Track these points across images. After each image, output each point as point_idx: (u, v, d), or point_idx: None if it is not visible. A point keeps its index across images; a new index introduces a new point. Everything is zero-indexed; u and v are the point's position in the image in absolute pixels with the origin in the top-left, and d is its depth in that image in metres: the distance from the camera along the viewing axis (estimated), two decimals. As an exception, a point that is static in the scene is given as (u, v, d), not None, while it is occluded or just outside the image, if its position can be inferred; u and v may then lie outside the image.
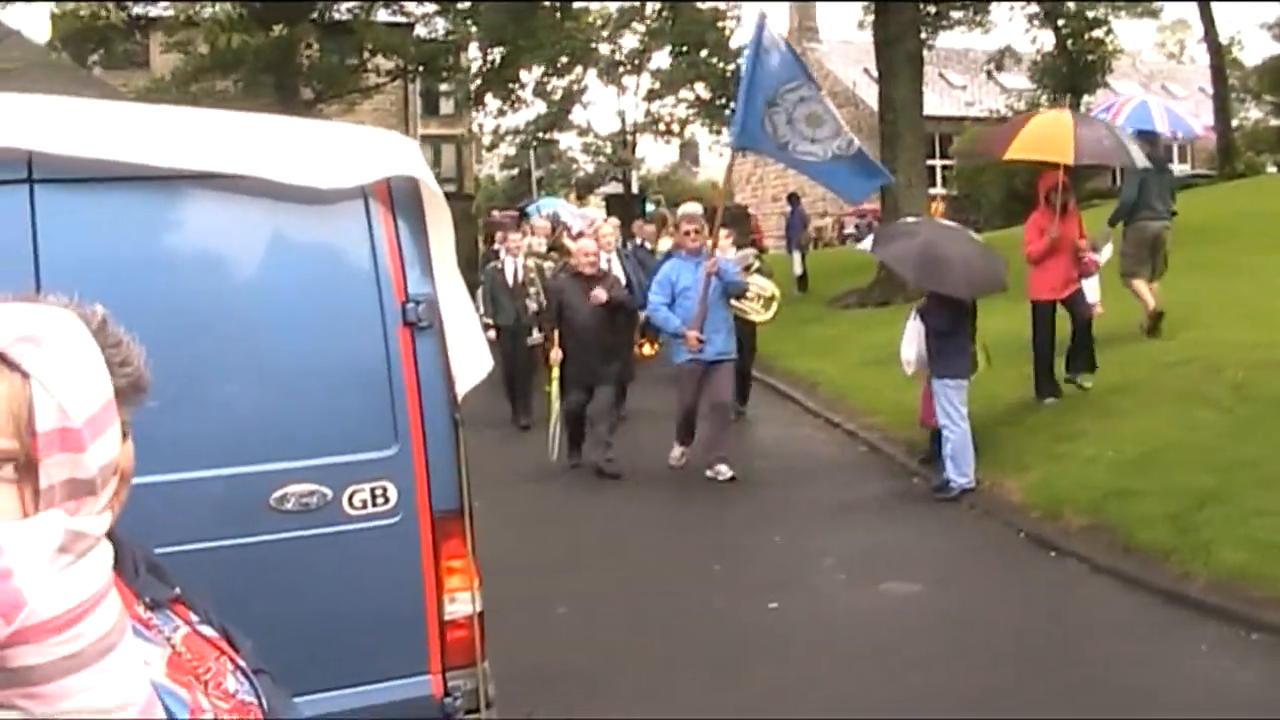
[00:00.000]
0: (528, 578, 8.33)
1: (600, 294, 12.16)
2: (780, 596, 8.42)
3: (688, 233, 12.50)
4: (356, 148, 4.13)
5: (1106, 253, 14.28)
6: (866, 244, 12.57)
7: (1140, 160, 12.40)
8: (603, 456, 12.31)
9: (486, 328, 12.72)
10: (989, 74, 39.75)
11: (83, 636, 1.41)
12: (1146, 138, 14.90)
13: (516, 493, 11.36)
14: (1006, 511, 10.24)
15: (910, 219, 13.33)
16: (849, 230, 45.05)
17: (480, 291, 15.08)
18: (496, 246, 16.10)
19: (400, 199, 4.19)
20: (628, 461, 12.39)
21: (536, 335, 14.53)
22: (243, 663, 1.90)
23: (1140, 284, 14.19)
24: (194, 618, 1.89)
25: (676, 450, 12.52)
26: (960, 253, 10.99)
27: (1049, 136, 11.94)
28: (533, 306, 14.78)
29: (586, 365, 12.31)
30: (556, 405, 12.85)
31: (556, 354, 12.53)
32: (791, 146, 12.05)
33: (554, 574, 9.01)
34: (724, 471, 11.92)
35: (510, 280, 15.22)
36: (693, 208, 20.49)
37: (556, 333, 12.57)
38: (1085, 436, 11.03)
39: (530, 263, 15.51)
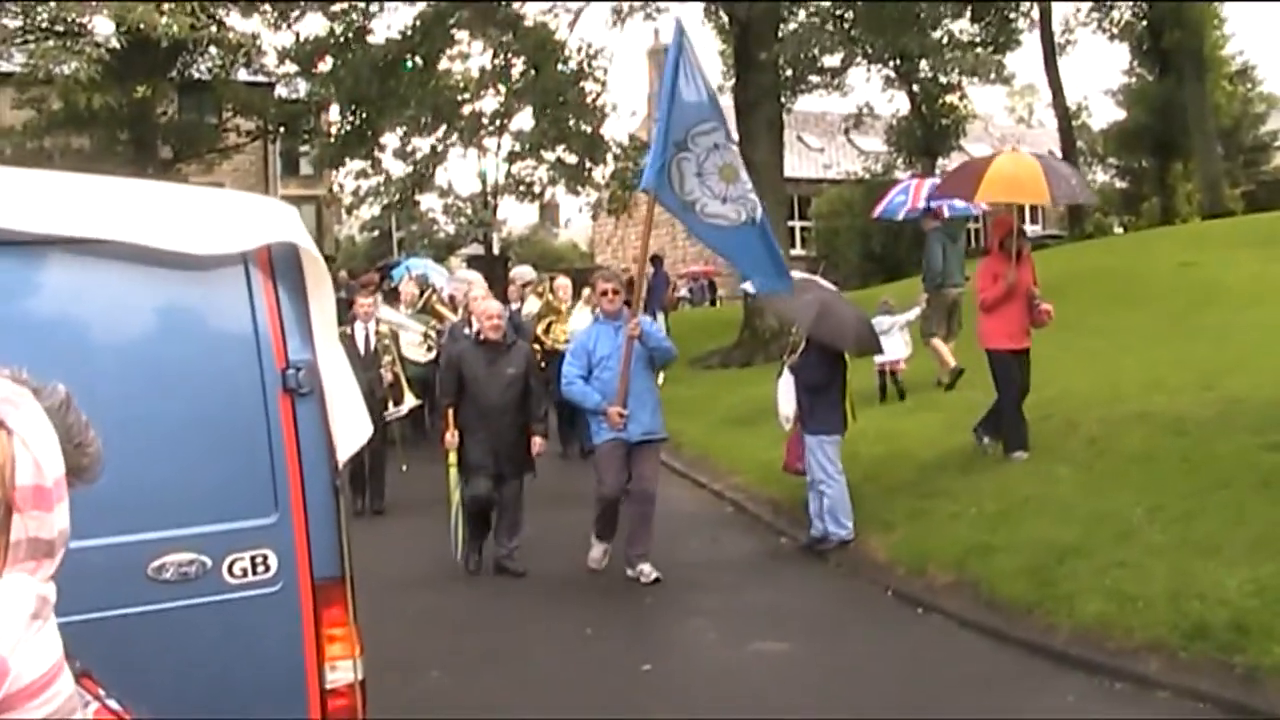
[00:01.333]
0: (400, 642, 8.27)
1: (539, 443, 10.88)
2: (653, 658, 8.44)
3: (604, 292, 10.69)
4: (237, 214, 4.12)
5: (914, 314, 15.83)
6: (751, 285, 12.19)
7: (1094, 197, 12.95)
8: (507, 551, 10.91)
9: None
10: (847, 136, 40.55)
11: (57, 697, 1.44)
12: (932, 214, 16.48)
13: (382, 577, 11.23)
14: (872, 569, 10.35)
15: (797, 274, 13.08)
16: (681, 293, 45.44)
17: None
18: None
19: (281, 265, 4.18)
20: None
21: (394, 409, 13.76)
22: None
23: (939, 343, 15.71)
24: (101, 693, 1.89)
25: (597, 549, 10.74)
26: (850, 313, 11.36)
27: (1020, 179, 11.60)
28: (388, 377, 13.75)
29: (492, 449, 10.66)
30: (457, 495, 10.89)
31: (452, 438, 10.77)
32: (699, 207, 10.08)
33: (425, 639, 8.94)
34: (648, 572, 10.44)
35: (361, 348, 13.45)
36: (523, 271, 20.14)
37: (451, 411, 10.82)
38: (947, 494, 11.22)
39: (384, 329, 14.28)
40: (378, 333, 13.99)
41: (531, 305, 16.93)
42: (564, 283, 16.77)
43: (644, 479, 10.53)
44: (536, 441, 10.86)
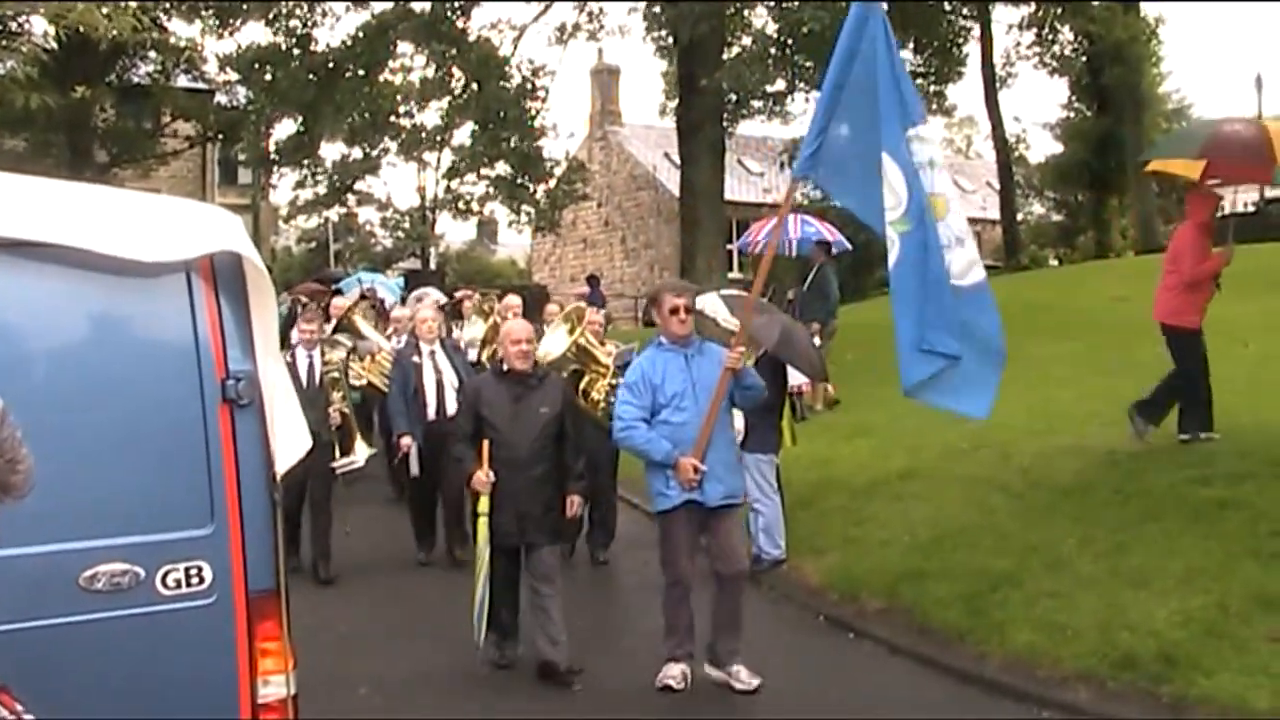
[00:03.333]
0: (330, 657, 8.18)
1: (576, 503, 8.66)
2: (585, 680, 8.37)
3: (674, 309, 8.18)
4: (180, 222, 4.09)
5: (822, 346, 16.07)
6: (714, 306, 11.37)
7: None
8: (551, 649, 8.35)
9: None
10: (782, 164, 40.72)
11: None
12: (824, 248, 18.31)
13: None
14: (805, 594, 10.35)
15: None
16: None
17: None
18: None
19: (223, 275, 4.16)
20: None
21: (345, 459, 11.51)
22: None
23: None
24: (19, 708, 1.86)
25: (674, 668, 8.13)
26: (805, 337, 11.82)
27: None
28: (335, 419, 11.30)
29: (518, 513, 8.25)
30: (485, 561, 8.33)
31: (484, 477, 8.23)
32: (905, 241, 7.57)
33: (355, 654, 8.85)
34: (746, 679, 8.07)
35: (304, 380, 11.00)
36: (427, 291, 18.59)
37: (485, 452, 8.26)
38: (879, 520, 11.25)
39: (334, 356, 11.76)
40: (325, 362, 11.56)
41: (475, 329, 14.46)
42: (514, 301, 14.61)
43: (731, 554, 8.19)
44: (574, 501, 8.60)
